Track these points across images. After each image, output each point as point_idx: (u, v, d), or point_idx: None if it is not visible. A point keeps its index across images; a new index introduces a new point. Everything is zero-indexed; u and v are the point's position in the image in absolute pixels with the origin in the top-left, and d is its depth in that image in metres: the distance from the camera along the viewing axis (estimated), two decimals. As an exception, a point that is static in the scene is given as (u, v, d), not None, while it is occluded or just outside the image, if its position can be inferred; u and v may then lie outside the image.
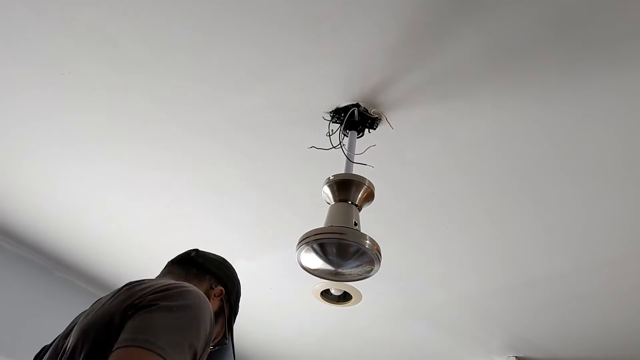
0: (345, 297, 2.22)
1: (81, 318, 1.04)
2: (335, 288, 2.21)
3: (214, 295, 1.24)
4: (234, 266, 1.34)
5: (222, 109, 1.69)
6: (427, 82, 1.52)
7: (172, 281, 1.05)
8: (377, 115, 1.63)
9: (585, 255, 2.08)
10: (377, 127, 1.65)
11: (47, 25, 1.48)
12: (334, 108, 1.62)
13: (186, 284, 1.04)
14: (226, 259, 1.35)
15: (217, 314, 1.24)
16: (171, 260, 1.28)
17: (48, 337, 1.14)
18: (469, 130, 1.66)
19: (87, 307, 1.07)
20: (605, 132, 1.61)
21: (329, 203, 1.55)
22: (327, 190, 1.54)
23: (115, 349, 0.88)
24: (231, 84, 1.61)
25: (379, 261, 1.44)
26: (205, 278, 1.25)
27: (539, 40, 1.38)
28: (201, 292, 1.04)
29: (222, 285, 1.26)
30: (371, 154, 1.66)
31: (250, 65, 1.54)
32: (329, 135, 1.66)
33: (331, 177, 1.55)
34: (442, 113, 1.61)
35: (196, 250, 1.31)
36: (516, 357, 2.83)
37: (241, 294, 1.34)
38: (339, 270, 1.47)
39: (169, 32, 1.47)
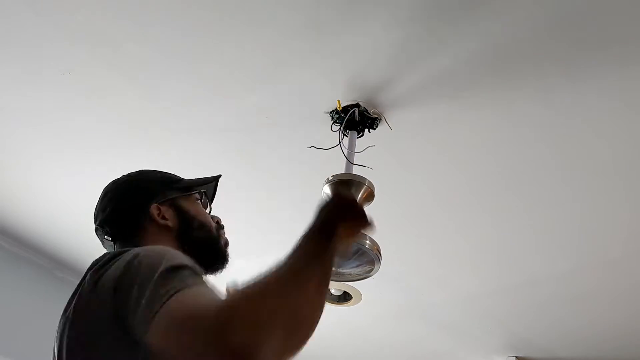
0: (345, 297, 2.22)
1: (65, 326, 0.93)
2: (335, 288, 2.20)
3: (161, 219, 1.08)
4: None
5: (221, 109, 1.69)
6: (427, 82, 1.52)
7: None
8: (377, 116, 1.63)
9: (585, 255, 2.08)
10: (377, 127, 1.65)
11: (47, 25, 1.48)
12: (333, 108, 1.62)
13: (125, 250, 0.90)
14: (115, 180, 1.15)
15: (186, 219, 1.09)
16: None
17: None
18: (469, 130, 1.66)
19: None
20: (604, 132, 1.61)
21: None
22: (327, 190, 1.54)
23: (155, 312, 0.72)
24: (231, 85, 1.61)
25: (379, 261, 1.44)
26: (132, 225, 1.07)
27: (538, 40, 1.38)
28: (140, 248, 0.89)
29: (147, 209, 1.07)
30: (371, 154, 1.66)
31: (250, 66, 1.54)
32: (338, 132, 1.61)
33: (331, 177, 1.55)
34: (442, 113, 1.62)
35: (98, 224, 1.10)
36: (516, 357, 2.84)
37: (169, 175, 1.16)
38: (339, 270, 1.47)
39: (169, 32, 1.47)
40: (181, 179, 1.18)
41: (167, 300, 0.73)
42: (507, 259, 2.17)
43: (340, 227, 0.91)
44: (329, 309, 2.49)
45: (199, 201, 1.17)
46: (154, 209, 1.09)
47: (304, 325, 0.76)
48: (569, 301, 2.36)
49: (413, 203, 1.95)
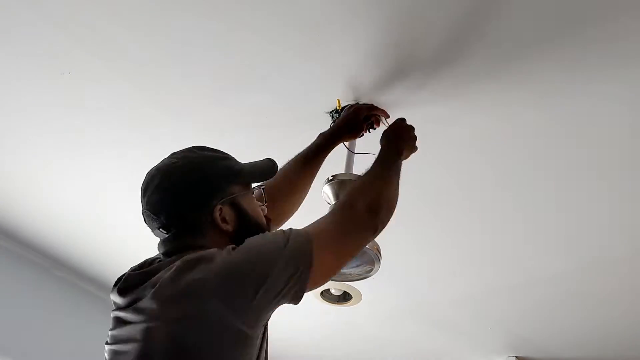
0: (345, 297, 2.22)
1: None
2: (335, 288, 2.20)
3: (222, 222, 1.06)
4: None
5: (221, 109, 1.69)
6: (427, 81, 1.53)
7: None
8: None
9: (584, 255, 2.08)
10: (377, 127, 1.65)
11: (47, 25, 1.48)
12: (333, 108, 1.62)
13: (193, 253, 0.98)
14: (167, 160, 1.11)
15: (243, 214, 1.09)
16: (161, 252, 1.08)
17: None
18: (469, 130, 1.66)
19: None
20: (605, 132, 1.61)
21: (329, 203, 1.55)
22: (327, 190, 1.54)
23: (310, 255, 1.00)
24: (230, 84, 1.61)
25: (379, 261, 1.45)
26: (192, 224, 1.05)
27: (539, 40, 1.38)
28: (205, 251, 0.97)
29: (211, 208, 1.05)
30: (371, 154, 1.66)
31: (249, 65, 1.54)
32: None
33: (331, 177, 1.55)
34: (441, 114, 1.62)
35: (144, 210, 1.07)
36: (516, 357, 2.83)
37: (230, 164, 1.13)
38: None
39: (169, 32, 1.47)
40: (241, 169, 1.13)
41: (311, 246, 1.01)
42: (507, 259, 2.17)
43: (403, 150, 1.37)
44: (329, 308, 2.52)
45: (253, 195, 1.16)
46: (216, 211, 1.05)
47: (394, 208, 1.25)
48: (568, 301, 2.36)
49: (413, 203, 1.95)
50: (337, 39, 1.43)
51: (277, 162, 1.19)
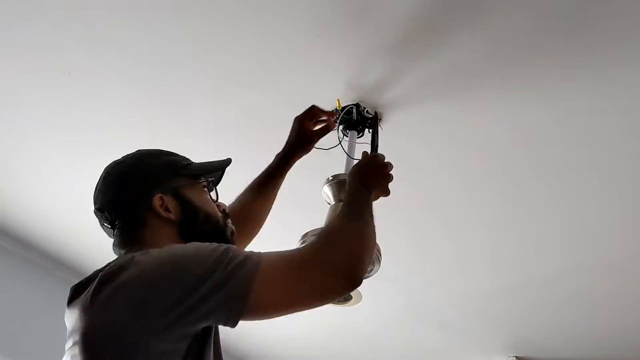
0: (345, 297, 2.21)
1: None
2: (335, 288, 2.20)
3: (163, 211, 1.03)
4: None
5: (221, 109, 1.69)
6: (427, 82, 1.53)
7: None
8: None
9: (584, 255, 2.08)
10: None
11: (47, 25, 1.48)
12: (333, 108, 1.62)
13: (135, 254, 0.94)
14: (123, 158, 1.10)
15: (191, 208, 1.06)
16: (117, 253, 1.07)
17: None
18: (469, 130, 1.66)
19: None
20: (605, 132, 1.61)
21: (329, 203, 1.55)
22: (327, 190, 1.54)
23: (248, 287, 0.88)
24: (230, 84, 1.61)
25: (379, 261, 1.44)
26: (133, 215, 1.03)
27: (539, 39, 1.38)
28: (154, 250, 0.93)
29: (151, 197, 1.03)
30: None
31: (249, 65, 1.54)
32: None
33: (331, 177, 1.55)
34: (441, 113, 1.62)
35: (98, 207, 1.06)
36: (516, 357, 2.83)
37: (176, 158, 1.11)
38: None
39: (169, 32, 1.47)
40: (189, 164, 1.12)
41: (253, 278, 0.89)
42: (506, 259, 2.17)
43: (373, 189, 1.22)
44: (328, 309, 2.50)
45: (205, 189, 1.13)
46: (156, 200, 1.03)
47: (371, 254, 1.10)
48: (568, 301, 2.36)
49: (413, 203, 1.95)
50: (337, 39, 1.43)
51: (228, 163, 1.18)
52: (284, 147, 1.49)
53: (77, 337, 0.91)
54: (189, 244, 0.97)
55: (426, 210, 1.99)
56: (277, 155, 1.48)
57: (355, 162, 1.57)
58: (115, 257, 1.08)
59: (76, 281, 1.01)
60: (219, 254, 0.91)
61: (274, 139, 1.77)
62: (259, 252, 0.96)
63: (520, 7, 1.31)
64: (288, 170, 1.48)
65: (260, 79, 1.58)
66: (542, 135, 1.64)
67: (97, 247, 2.45)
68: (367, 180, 1.20)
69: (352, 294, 2.23)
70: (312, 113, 1.48)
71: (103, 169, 1.11)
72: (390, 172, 1.30)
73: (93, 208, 1.08)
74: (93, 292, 0.91)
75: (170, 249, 0.94)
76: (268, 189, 1.45)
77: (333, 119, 1.51)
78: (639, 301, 2.30)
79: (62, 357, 0.95)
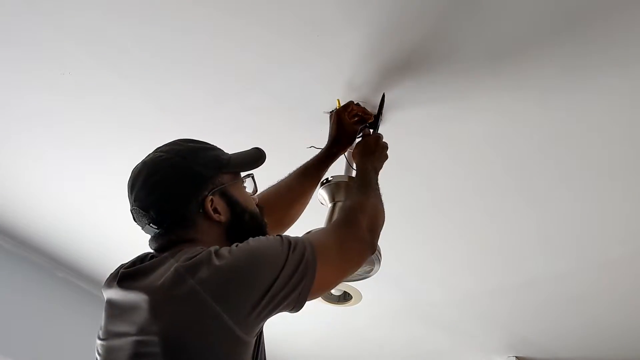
0: (345, 297, 2.22)
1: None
2: (335, 288, 2.21)
3: (214, 213, 1.04)
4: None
5: (221, 110, 1.69)
6: (427, 81, 1.53)
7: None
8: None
9: (584, 255, 2.08)
10: (377, 127, 1.65)
11: (47, 25, 1.48)
12: (333, 108, 1.62)
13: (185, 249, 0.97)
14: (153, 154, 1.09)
15: (235, 204, 1.07)
16: (152, 249, 1.08)
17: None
18: (468, 130, 1.66)
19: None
20: (605, 132, 1.61)
21: (322, 204, 1.56)
22: (322, 192, 1.55)
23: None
24: (230, 85, 1.61)
25: (379, 261, 1.45)
26: (182, 217, 1.02)
27: (539, 40, 1.38)
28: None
29: (202, 199, 1.03)
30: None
31: (249, 65, 1.54)
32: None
33: (330, 178, 1.55)
34: (441, 113, 1.62)
35: (133, 207, 1.04)
36: (516, 357, 2.84)
37: (217, 153, 1.11)
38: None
39: (169, 33, 1.47)
40: (229, 158, 1.12)
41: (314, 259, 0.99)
42: (506, 259, 2.17)
43: (378, 167, 1.40)
44: (329, 308, 2.52)
45: (244, 184, 1.14)
46: (207, 202, 1.03)
47: (384, 221, 1.25)
48: (568, 301, 2.36)
49: (413, 203, 1.95)
50: (337, 39, 1.43)
51: (266, 154, 1.19)
52: (328, 142, 1.52)
53: (140, 328, 0.90)
54: (257, 238, 1.00)
55: (426, 210, 1.99)
56: (320, 150, 1.53)
57: (355, 164, 1.58)
58: (136, 254, 1.10)
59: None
60: (287, 246, 0.99)
61: (275, 139, 1.77)
62: (304, 237, 1.05)
63: (520, 8, 1.31)
64: (332, 163, 1.52)
65: (260, 79, 1.58)
66: (542, 135, 1.64)
67: (97, 247, 2.45)
68: (374, 159, 1.39)
69: (352, 294, 2.24)
70: (350, 108, 1.52)
71: (141, 163, 1.08)
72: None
73: (130, 206, 1.06)
74: (170, 284, 0.91)
75: (246, 244, 0.98)
76: (314, 175, 1.50)
77: (369, 116, 1.55)
78: (639, 301, 2.31)
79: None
